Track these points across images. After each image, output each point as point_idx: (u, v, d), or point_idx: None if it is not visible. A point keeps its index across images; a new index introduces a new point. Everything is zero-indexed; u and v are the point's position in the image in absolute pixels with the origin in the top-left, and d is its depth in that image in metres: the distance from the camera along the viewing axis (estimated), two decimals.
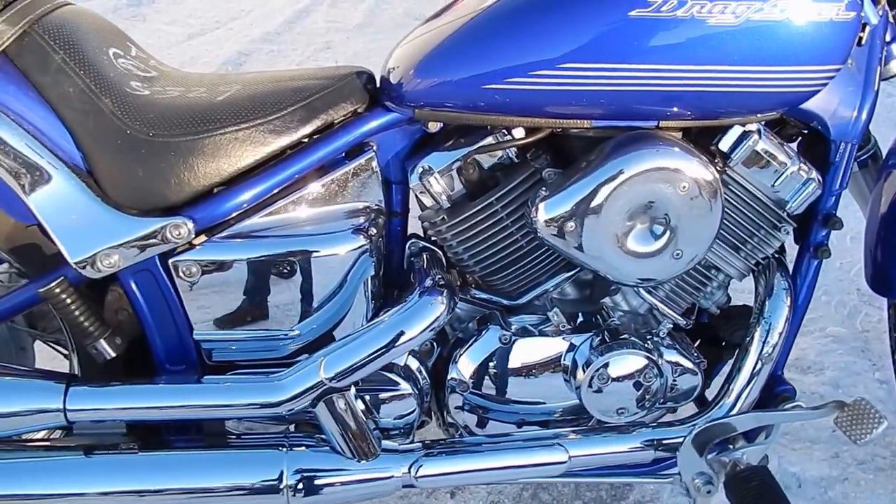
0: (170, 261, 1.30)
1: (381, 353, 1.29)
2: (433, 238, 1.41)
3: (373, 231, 1.35)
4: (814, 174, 1.39)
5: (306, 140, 1.32)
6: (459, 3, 1.37)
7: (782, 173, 1.37)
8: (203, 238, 1.30)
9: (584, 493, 1.80)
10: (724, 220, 1.35)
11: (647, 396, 1.41)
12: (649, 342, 1.41)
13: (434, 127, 1.34)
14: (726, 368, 1.53)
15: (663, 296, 1.44)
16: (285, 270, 1.33)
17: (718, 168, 1.33)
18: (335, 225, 1.34)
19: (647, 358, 1.39)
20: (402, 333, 1.29)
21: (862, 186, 1.66)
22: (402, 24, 4.19)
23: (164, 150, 1.25)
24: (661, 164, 1.26)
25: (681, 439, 1.42)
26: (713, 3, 1.20)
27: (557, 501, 1.79)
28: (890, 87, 2.17)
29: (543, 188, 1.31)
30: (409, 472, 1.35)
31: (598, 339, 1.42)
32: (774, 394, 1.51)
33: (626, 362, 1.38)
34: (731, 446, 1.45)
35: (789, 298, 1.46)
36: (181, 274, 1.30)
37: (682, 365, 1.44)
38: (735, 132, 1.34)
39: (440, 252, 1.43)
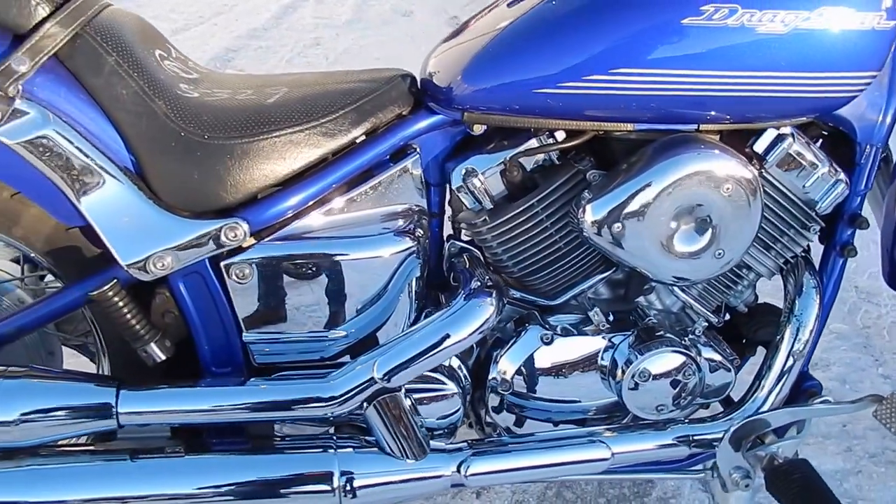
0: (222, 263, 1.30)
1: (433, 353, 1.30)
2: (469, 239, 1.43)
3: (419, 232, 1.37)
4: (842, 175, 1.42)
5: (355, 142, 1.33)
6: (497, 7, 1.39)
7: (813, 175, 1.40)
8: (252, 240, 1.30)
9: (608, 490, 1.83)
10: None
11: (685, 393, 1.44)
12: (687, 340, 1.44)
13: (479, 129, 1.35)
14: (747, 366, 1.57)
15: (697, 294, 1.47)
16: (334, 272, 1.34)
17: (756, 169, 1.36)
18: (383, 227, 1.36)
19: (686, 355, 1.42)
20: (453, 334, 1.30)
21: (874, 187, 1.71)
22: (389, 20, 4.20)
23: (220, 152, 1.25)
24: (706, 168, 1.28)
25: (715, 435, 1.45)
26: (763, 11, 1.23)
27: (581, 499, 1.81)
28: None
29: (587, 190, 1.33)
30: (459, 471, 1.37)
31: (636, 337, 1.45)
32: (802, 389, 1.55)
33: (667, 360, 1.41)
34: (762, 441, 1.49)
35: (818, 296, 1.50)
36: (233, 276, 1.30)
37: (717, 362, 1.47)
38: (770, 135, 1.37)
39: (479, 252, 1.44)
